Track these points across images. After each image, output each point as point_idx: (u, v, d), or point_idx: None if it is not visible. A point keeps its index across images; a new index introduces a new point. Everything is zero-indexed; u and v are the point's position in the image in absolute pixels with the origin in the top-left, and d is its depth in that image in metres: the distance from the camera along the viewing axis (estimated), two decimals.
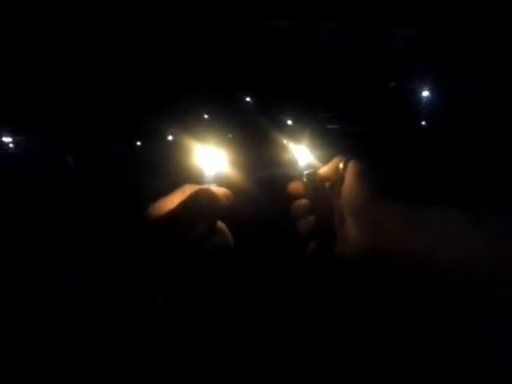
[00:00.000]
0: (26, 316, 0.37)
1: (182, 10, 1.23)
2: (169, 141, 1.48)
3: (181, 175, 0.49)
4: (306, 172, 0.53)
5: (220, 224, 0.47)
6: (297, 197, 0.54)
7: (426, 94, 1.33)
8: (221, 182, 0.49)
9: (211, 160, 0.49)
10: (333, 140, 1.20)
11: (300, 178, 0.54)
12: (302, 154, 0.54)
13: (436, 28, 1.21)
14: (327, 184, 0.53)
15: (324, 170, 0.53)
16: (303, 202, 0.53)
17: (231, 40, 1.27)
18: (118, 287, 0.39)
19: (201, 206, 0.43)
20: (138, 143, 1.50)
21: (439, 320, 0.87)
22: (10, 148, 1.40)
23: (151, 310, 0.41)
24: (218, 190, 0.46)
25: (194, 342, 0.80)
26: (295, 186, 0.54)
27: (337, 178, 0.52)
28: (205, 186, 0.47)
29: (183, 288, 0.45)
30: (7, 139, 1.40)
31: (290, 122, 1.38)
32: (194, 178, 0.48)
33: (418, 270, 0.44)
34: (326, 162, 0.54)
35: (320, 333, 0.86)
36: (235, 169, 0.51)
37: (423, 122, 1.35)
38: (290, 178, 0.55)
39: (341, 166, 0.51)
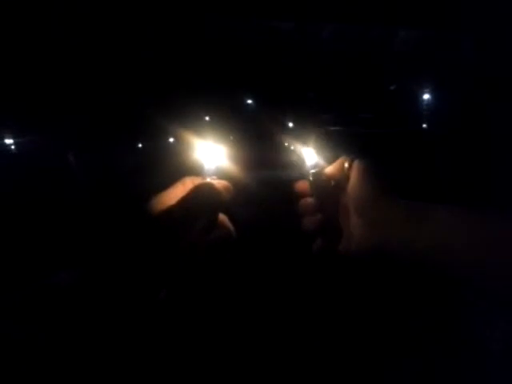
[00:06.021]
0: (27, 313, 0.37)
1: (184, 13, 1.24)
2: (170, 142, 1.49)
3: (181, 168, 0.49)
4: (312, 171, 0.54)
5: (222, 217, 0.47)
6: (303, 195, 0.55)
7: (426, 96, 1.34)
8: (221, 175, 0.48)
9: (212, 153, 0.48)
10: (335, 141, 1.20)
11: (306, 177, 0.55)
12: (308, 155, 0.55)
13: (437, 30, 1.22)
14: (333, 183, 0.54)
15: (330, 169, 0.54)
16: (309, 200, 0.54)
17: (233, 42, 1.28)
18: (120, 283, 0.39)
19: (202, 201, 0.43)
20: (140, 145, 1.50)
21: (440, 319, 0.88)
22: (11, 149, 1.40)
23: (153, 304, 0.41)
24: (219, 184, 0.46)
25: (194, 338, 0.80)
26: (301, 185, 0.55)
27: (342, 177, 0.52)
28: (206, 180, 0.46)
29: (185, 282, 0.44)
30: (9, 141, 1.40)
31: (290, 125, 1.39)
32: (194, 170, 0.47)
33: (422, 268, 0.45)
34: (331, 161, 0.55)
35: (323, 329, 0.86)
36: (235, 162, 0.50)
37: (424, 125, 1.35)
38: (296, 178, 0.56)
39: (346, 165, 0.52)
